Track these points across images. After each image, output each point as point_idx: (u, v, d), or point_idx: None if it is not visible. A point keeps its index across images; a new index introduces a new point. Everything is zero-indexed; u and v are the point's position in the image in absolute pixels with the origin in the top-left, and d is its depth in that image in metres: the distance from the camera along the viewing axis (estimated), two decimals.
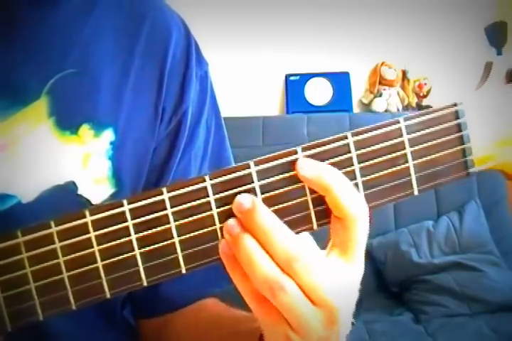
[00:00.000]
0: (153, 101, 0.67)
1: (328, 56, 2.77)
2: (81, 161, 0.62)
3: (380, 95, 2.78)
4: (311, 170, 0.48)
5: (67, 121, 0.62)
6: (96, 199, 0.63)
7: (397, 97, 2.79)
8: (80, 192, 0.62)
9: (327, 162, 0.49)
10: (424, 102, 2.81)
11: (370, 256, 2.43)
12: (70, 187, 0.62)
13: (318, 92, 2.80)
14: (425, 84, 2.79)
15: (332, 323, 0.49)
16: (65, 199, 0.61)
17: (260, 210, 0.47)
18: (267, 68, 2.78)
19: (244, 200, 0.47)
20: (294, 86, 2.79)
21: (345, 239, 0.48)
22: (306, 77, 2.80)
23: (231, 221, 0.48)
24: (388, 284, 2.42)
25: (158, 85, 0.67)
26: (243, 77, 2.78)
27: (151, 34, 0.67)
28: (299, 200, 0.49)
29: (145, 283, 0.48)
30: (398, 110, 2.77)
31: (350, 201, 0.47)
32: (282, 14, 2.74)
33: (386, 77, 2.77)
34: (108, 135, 0.63)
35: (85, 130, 0.62)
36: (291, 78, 2.80)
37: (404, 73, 2.81)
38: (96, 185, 0.63)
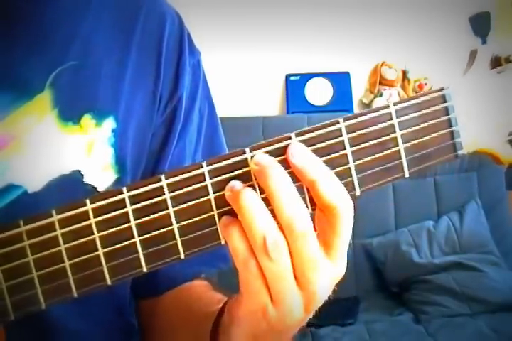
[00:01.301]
0: (151, 89, 0.69)
1: (328, 56, 2.77)
2: (85, 150, 0.64)
3: (381, 95, 2.78)
4: (300, 158, 0.48)
5: (70, 112, 0.63)
6: (101, 186, 0.65)
7: (397, 97, 2.79)
8: (85, 180, 0.64)
9: (319, 145, 0.50)
10: None
11: (370, 256, 2.43)
12: (76, 176, 0.63)
13: (319, 92, 2.80)
14: (425, 84, 2.79)
15: (307, 311, 0.50)
16: (71, 188, 0.63)
17: (277, 166, 0.48)
18: (267, 68, 2.78)
19: (261, 157, 0.48)
20: (294, 86, 2.79)
21: (330, 236, 0.48)
22: (307, 77, 2.80)
23: (233, 181, 0.49)
24: (388, 284, 2.42)
25: (155, 73, 0.69)
26: (243, 77, 2.78)
27: (146, 25, 0.69)
28: (294, 185, 0.49)
29: (145, 270, 0.49)
30: None
31: (335, 193, 0.48)
32: (282, 14, 2.74)
33: (386, 77, 2.77)
34: (109, 123, 0.65)
35: (87, 120, 0.64)
36: (292, 78, 2.80)
37: (404, 73, 2.81)
38: (101, 173, 0.65)
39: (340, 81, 2.80)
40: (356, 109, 2.83)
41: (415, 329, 2.14)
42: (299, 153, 0.49)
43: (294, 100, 2.79)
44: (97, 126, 0.65)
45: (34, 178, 0.61)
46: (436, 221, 2.47)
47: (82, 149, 0.64)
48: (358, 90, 2.83)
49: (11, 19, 0.62)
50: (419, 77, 2.79)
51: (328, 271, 0.49)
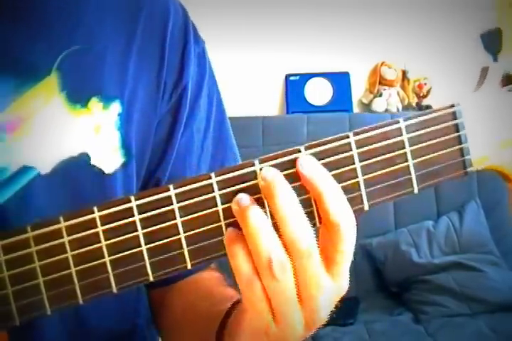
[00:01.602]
0: (155, 76, 0.70)
1: (328, 56, 2.77)
2: (92, 133, 0.65)
3: (380, 95, 2.78)
4: (309, 169, 0.49)
5: (78, 95, 0.64)
6: (108, 169, 0.66)
7: (397, 97, 2.79)
8: (93, 162, 0.65)
9: (329, 160, 0.50)
10: (424, 102, 2.81)
11: (370, 256, 2.43)
12: (84, 158, 0.64)
13: (318, 92, 2.80)
14: (425, 84, 2.79)
15: (308, 328, 0.50)
16: (79, 170, 0.64)
17: (282, 184, 0.48)
18: (267, 68, 2.78)
19: (266, 173, 0.48)
20: (294, 86, 2.79)
21: (332, 253, 0.48)
22: (306, 77, 2.80)
23: (241, 194, 0.49)
24: (388, 284, 2.42)
25: (159, 61, 0.70)
26: (243, 77, 2.78)
27: (151, 13, 0.70)
28: (302, 197, 0.49)
29: (151, 278, 0.49)
30: (398, 110, 2.77)
31: (340, 209, 0.48)
32: (282, 14, 2.74)
33: (386, 77, 2.77)
34: (116, 107, 0.66)
35: (94, 103, 0.65)
36: (291, 78, 2.80)
37: (404, 73, 2.81)
38: (108, 156, 0.66)
39: (340, 81, 2.80)
40: (356, 109, 2.83)
41: (415, 329, 2.14)
42: (309, 165, 0.49)
43: (294, 100, 2.80)
44: (104, 109, 0.65)
45: (45, 160, 0.62)
46: (435, 221, 2.47)
47: (90, 132, 0.64)
48: (358, 90, 2.83)
49: (15, 5, 0.63)
50: (419, 77, 2.79)
51: (329, 289, 0.49)
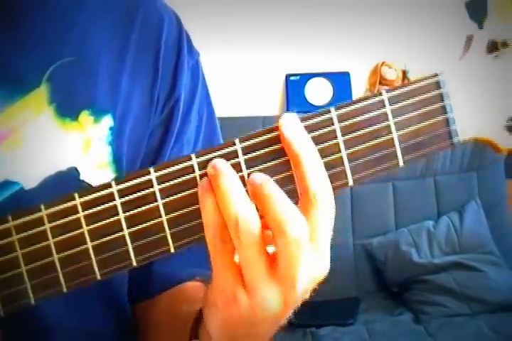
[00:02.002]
0: (149, 88, 0.69)
1: (328, 56, 2.77)
2: (82, 147, 0.63)
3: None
4: (291, 130, 0.48)
5: (68, 108, 0.63)
6: (98, 184, 0.64)
7: None
8: (82, 177, 0.63)
9: (311, 135, 0.49)
10: None
11: (370, 256, 2.43)
12: (73, 173, 0.63)
13: (319, 92, 2.80)
14: None
15: (286, 306, 0.48)
16: (67, 185, 0.62)
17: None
18: (267, 68, 2.78)
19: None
20: (294, 86, 2.79)
21: (311, 225, 0.47)
22: (307, 77, 2.80)
23: (218, 159, 0.48)
24: (388, 284, 2.42)
25: (153, 73, 0.69)
26: (243, 77, 2.77)
27: (145, 23, 0.69)
28: (283, 175, 0.49)
29: (134, 263, 0.49)
30: None
31: (317, 177, 0.47)
32: (282, 14, 2.74)
33: (386, 77, 2.77)
34: (107, 121, 0.65)
35: (85, 116, 0.63)
36: (292, 78, 2.80)
37: (404, 73, 2.80)
38: (98, 171, 0.64)
39: (340, 81, 2.80)
40: None
41: (415, 329, 2.14)
42: (291, 125, 0.48)
43: (294, 100, 2.79)
44: (95, 122, 0.64)
45: (30, 174, 0.61)
46: (436, 221, 2.47)
47: (80, 146, 0.63)
48: (358, 90, 2.83)
49: (6, 15, 0.62)
50: (419, 77, 2.79)
51: (310, 264, 0.47)
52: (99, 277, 0.49)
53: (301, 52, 2.76)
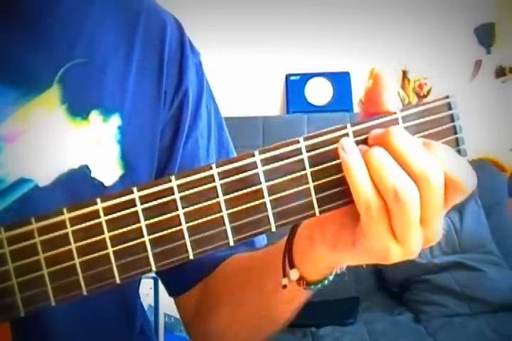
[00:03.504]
0: (155, 86, 0.71)
1: (328, 56, 2.77)
2: (93, 145, 0.66)
3: None
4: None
5: (78, 108, 0.65)
6: (108, 182, 0.66)
7: (397, 97, 2.79)
8: (93, 175, 0.65)
9: (326, 148, 0.51)
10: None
11: None
12: (84, 171, 0.65)
13: (319, 92, 2.80)
14: (425, 84, 2.79)
15: (421, 247, 0.51)
16: (79, 183, 0.64)
17: (397, 129, 0.49)
18: (267, 68, 2.78)
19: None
20: (294, 86, 2.80)
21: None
22: (307, 77, 2.80)
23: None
24: (388, 284, 2.42)
25: (158, 71, 0.71)
26: (243, 77, 2.78)
27: (148, 25, 0.72)
28: (300, 188, 0.50)
29: (154, 268, 0.50)
30: None
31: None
32: (282, 14, 2.74)
33: None
34: (115, 120, 0.67)
35: (95, 116, 0.66)
36: (292, 78, 2.80)
37: (404, 73, 2.81)
38: (107, 168, 0.66)
39: (340, 81, 2.80)
40: (356, 109, 2.83)
41: (415, 329, 2.14)
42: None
43: (294, 100, 2.80)
44: (104, 122, 0.66)
45: (44, 172, 0.63)
46: None
47: (91, 144, 0.65)
48: (358, 90, 2.83)
49: (18, 17, 0.64)
50: (419, 77, 2.79)
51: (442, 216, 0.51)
52: (118, 281, 0.49)
53: (301, 52, 2.76)
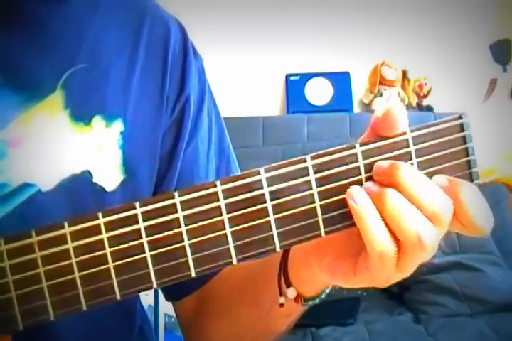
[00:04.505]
0: (158, 91, 0.71)
1: (328, 56, 2.77)
2: (95, 151, 0.65)
3: (381, 95, 2.78)
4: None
5: (81, 113, 0.65)
6: (109, 187, 0.66)
7: (397, 97, 2.79)
8: (95, 180, 0.65)
9: (333, 171, 0.49)
10: (425, 102, 2.81)
11: None
12: (86, 176, 0.65)
13: (319, 92, 2.80)
14: (425, 84, 2.79)
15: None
16: (81, 188, 0.64)
17: (404, 166, 0.48)
18: (267, 68, 2.78)
19: (383, 163, 0.49)
20: (294, 86, 2.80)
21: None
22: (307, 77, 2.80)
23: (367, 183, 0.49)
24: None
25: (161, 76, 0.71)
26: (243, 77, 2.78)
27: (152, 30, 0.71)
28: (307, 207, 0.50)
29: (155, 285, 0.49)
30: None
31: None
32: (282, 14, 2.74)
33: (386, 77, 2.77)
34: (118, 125, 0.67)
35: (97, 121, 0.66)
36: (292, 78, 2.80)
37: (404, 73, 2.81)
38: (109, 173, 0.66)
39: (340, 81, 2.80)
40: (356, 109, 2.83)
41: (415, 329, 2.14)
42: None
43: (294, 100, 2.80)
44: (107, 127, 0.66)
45: (47, 177, 0.63)
46: None
47: (93, 149, 0.65)
48: (358, 90, 2.84)
49: (22, 22, 0.64)
50: (419, 77, 2.79)
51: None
52: (119, 297, 0.49)
53: (301, 52, 2.76)
